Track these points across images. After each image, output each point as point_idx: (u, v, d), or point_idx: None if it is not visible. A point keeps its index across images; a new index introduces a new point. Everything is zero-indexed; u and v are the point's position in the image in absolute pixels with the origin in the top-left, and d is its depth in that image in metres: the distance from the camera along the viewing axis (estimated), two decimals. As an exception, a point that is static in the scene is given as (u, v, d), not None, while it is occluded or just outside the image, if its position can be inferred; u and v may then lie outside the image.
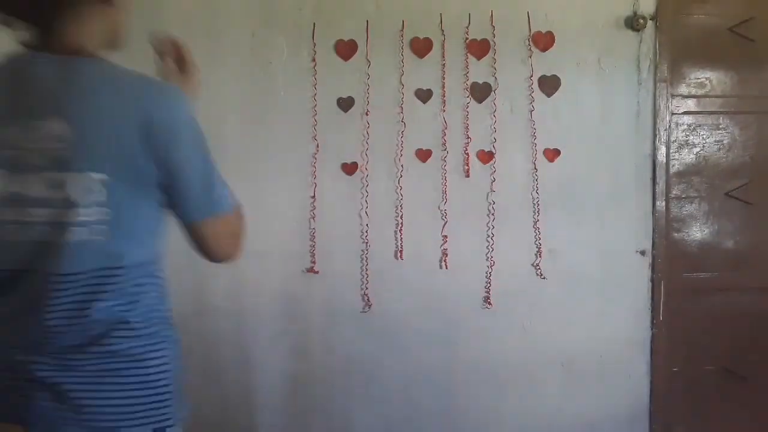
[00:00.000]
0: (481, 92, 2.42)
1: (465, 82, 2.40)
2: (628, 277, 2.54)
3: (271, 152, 2.37)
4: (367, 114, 2.36)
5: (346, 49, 2.37)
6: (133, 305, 1.05)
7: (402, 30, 2.38)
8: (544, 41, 2.43)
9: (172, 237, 2.42)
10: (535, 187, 2.46)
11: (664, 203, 2.54)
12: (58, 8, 1.01)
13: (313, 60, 2.36)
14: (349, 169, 2.38)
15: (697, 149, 2.59)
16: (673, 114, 2.55)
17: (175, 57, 1.26)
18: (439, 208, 2.41)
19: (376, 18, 2.37)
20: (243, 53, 2.34)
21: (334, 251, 2.35)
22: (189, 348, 2.43)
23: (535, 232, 2.47)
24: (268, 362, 2.44)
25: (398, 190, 2.41)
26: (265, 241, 2.39)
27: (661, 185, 2.53)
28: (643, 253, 2.54)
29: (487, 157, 2.43)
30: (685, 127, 2.57)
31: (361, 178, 2.39)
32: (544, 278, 2.48)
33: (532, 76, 2.43)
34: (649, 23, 2.46)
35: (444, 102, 2.40)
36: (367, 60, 2.37)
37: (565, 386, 2.55)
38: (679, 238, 2.59)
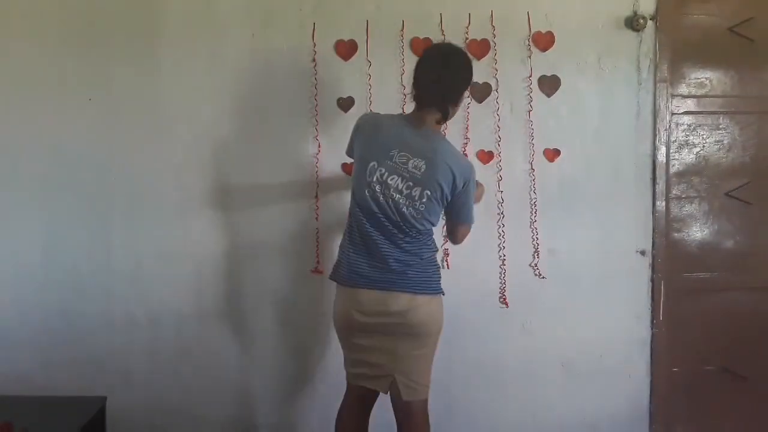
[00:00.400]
0: (481, 92, 2.42)
1: (465, 82, 2.40)
2: (628, 277, 2.54)
3: (272, 152, 2.38)
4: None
5: (346, 49, 2.37)
6: (421, 244, 1.97)
7: (402, 30, 2.38)
8: (544, 41, 2.43)
9: (174, 239, 2.44)
10: (535, 187, 2.46)
11: (664, 203, 2.54)
12: (450, 110, 1.95)
13: (313, 60, 2.36)
14: (350, 169, 2.38)
15: (697, 149, 2.59)
16: (673, 114, 2.55)
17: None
18: (439, 208, 2.41)
19: (376, 18, 2.37)
20: (243, 53, 2.34)
21: (336, 252, 2.35)
22: (189, 348, 2.45)
23: (535, 232, 2.47)
24: (269, 362, 2.45)
25: (398, 190, 2.41)
26: (267, 241, 2.40)
27: (661, 185, 2.53)
28: (643, 253, 2.54)
29: (487, 157, 2.43)
30: (685, 127, 2.57)
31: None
32: (543, 278, 2.48)
33: (531, 76, 2.43)
34: (649, 23, 2.46)
35: (444, 102, 2.40)
36: (368, 60, 2.37)
37: (565, 386, 2.55)
38: (679, 238, 2.59)
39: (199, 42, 2.33)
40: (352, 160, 2.03)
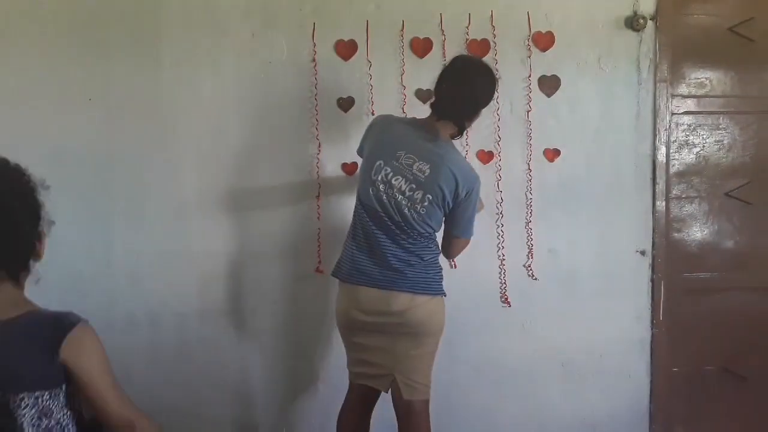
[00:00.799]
0: (481, 92, 2.42)
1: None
2: (628, 277, 2.54)
3: (272, 152, 2.37)
4: (367, 114, 2.36)
5: (346, 49, 2.37)
6: (422, 246, 1.97)
7: (402, 30, 2.38)
8: (544, 41, 2.43)
9: (174, 239, 2.43)
10: (534, 187, 2.46)
11: (664, 203, 2.54)
12: (467, 123, 1.98)
13: (313, 60, 2.36)
14: (350, 169, 2.38)
15: (697, 149, 2.59)
16: (673, 114, 2.55)
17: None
18: (439, 208, 2.41)
19: (376, 18, 2.37)
20: (243, 53, 2.34)
21: (338, 251, 2.35)
22: (189, 348, 2.44)
23: (535, 231, 2.47)
24: (269, 362, 2.45)
25: (398, 190, 2.41)
26: (268, 241, 2.40)
27: (661, 185, 2.53)
28: (643, 253, 2.54)
29: (487, 157, 2.43)
30: (685, 127, 2.57)
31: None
32: (535, 279, 2.48)
33: (531, 76, 2.43)
34: (649, 23, 2.46)
35: (444, 102, 2.40)
36: (368, 60, 2.37)
37: (565, 386, 2.55)
38: (679, 238, 2.59)
39: (199, 42, 2.33)
40: (353, 161, 2.04)
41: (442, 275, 2.02)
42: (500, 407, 2.53)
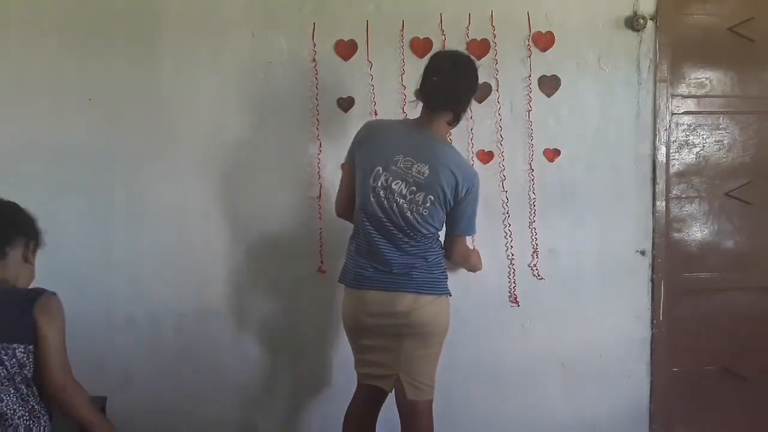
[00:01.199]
0: (481, 92, 2.41)
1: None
2: (628, 277, 2.54)
3: (272, 152, 2.37)
4: (370, 114, 2.36)
5: (346, 49, 2.37)
6: (426, 247, 1.97)
7: (402, 30, 2.37)
8: (544, 41, 2.43)
9: (174, 239, 2.44)
10: (535, 187, 2.46)
11: (664, 203, 2.54)
12: (464, 108, 1.99)
13: (313, 60, 2.36)
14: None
15: (697, 149, 2.59)
16: (673, 114, 2.55)
17: None
18: (439, 208, 2.41)
19: (376, 18, 2.36)
20: (243, 53, 2.34)
21: (340, 251, 2.36)
22: (189, 348, 2.44)
23: (535, 232, 2.47)
24: (270, 362, 2.44)
25: (398, 190, 2.40)
26: (268, 240, 2.40)
27: (661, 185, 2.53)
28: (643, 253, 2.54)
29: (487, 157, 2.43)
30: (685, 127, 2.57)
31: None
32: (541, 278, 2.48)
33: (531, 76, 2.43)
34: (649, 23, 2.46)
35: (444, 102, 2.40)
36: (368, 60, 2.37)
37: (565, 386, 2.55)
38: (679, 238, 2.59)
39: (199, 42, 2.33)
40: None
41: (446, 275, 2.02)
42: (500, 407, 2.53)
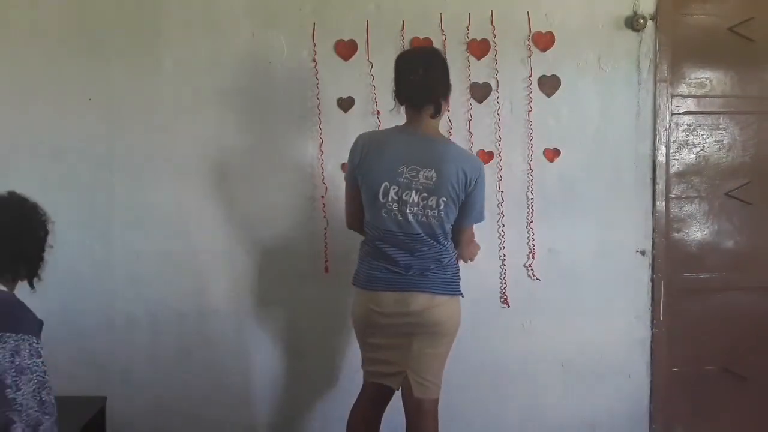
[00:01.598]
0: (481, 92, 2.42)
1: (465, 82, 2.40)
2: (628, 277, 2.54)
3: (272, 152, 2.38)
4: (373, 113, 2.36)
5: (346, 49, 2.37)
6: (441, 250, 1.97)
7: (402, 30, 2.37)
8: (544, 41, 2.43)
9: (174, 239, 2.43)
10: (535, 187, 2.46)
11: (664, 203, 2.54)
12: (442, 103, 1.96)
13: (313, 60, 2.36)
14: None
15: (697, 149, 2.59)
16: (673, 114, 2.55)
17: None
18: (439, 208, 2.41)
19: (376, 18, 2.37)
20: (243, 53, 2.34)
21: (341, 251, 2.36)
22: (189, 348, 2.44)
23: (535, 231, 2.47)
24: (270, 362, 2.44)
25: (398, 190, 2.40)
26: (268, 240, 2.40)
27: (661, 185, 2.53)
28: (643, 253, 2.54)
29: (487, 157, 2.43)
30: (685, 127, 2.57)
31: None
32: (536, 279, 2.48)
33: (531, 76, 2.43)
34: (649, 23, 2.46)
35: (444, 102, 2.40)
36: (368, 60, 2.37)
37: (565, 386, 2.55)
38: (679, 238, 2.59)
39: (199, 42, 2.33)
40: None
41: (459, 276, 2.03)
42: (500, 407, 2.53)
